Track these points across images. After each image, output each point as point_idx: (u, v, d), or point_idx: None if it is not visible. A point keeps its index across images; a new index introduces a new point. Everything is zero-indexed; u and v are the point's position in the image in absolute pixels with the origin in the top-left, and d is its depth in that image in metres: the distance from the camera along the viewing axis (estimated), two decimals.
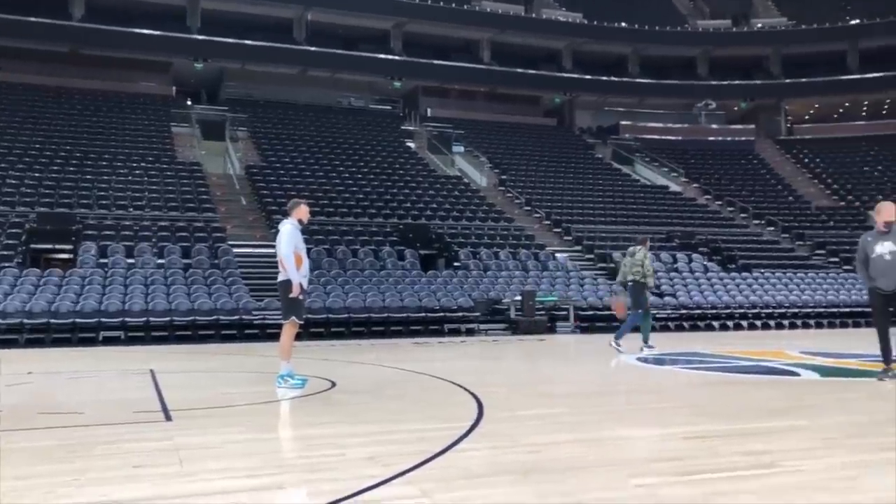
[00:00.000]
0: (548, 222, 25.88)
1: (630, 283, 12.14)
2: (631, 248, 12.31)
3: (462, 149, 31.55)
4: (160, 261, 18.29)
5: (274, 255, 7.90)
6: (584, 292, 19.81)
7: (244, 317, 16.23)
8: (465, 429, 5.05)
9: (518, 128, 34.95)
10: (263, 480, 3.76)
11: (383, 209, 23.64)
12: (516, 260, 21.54)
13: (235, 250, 19.62)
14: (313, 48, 32.00)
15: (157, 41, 29.58)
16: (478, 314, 17.93)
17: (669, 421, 5.55)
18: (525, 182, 29.10)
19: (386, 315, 17.17)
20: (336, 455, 4.31)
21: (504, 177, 29.25)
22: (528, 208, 26.85)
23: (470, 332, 17.44)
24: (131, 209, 21.06)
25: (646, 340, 12.20)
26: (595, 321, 18.72)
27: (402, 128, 32.80)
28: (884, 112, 37.53)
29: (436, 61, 33.79)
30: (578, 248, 24.05)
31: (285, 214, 7.91)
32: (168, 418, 5.68)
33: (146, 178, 22.91)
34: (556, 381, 8.74)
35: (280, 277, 7.69)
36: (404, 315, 17.29)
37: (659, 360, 11.01)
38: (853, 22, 36.72)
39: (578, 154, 33.66)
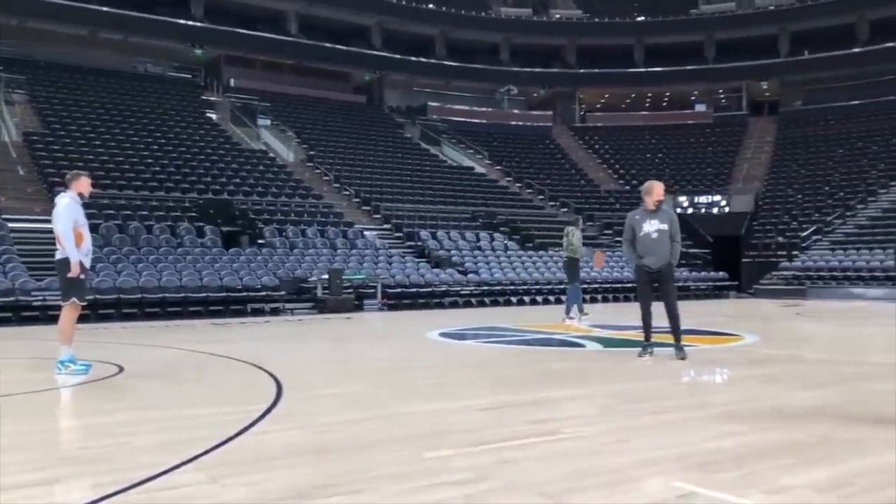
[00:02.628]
0: (357, 200, 25.82)
1: (565, 259, 13.51)
2: (569, 228, 13.62)
3: (268, 122, 30.59)
4: None
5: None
6: (393, 270, 20.03)
7: (21, 298, 14.73)
8: (262, 411, 4.91)
9: (327, 103, 34.47)
10: (37, 475, 3.43)
11: (181, 183, 22.39)
12: (324, 238, 21.30)
13: (11, 225, 17.72)
14: (105, 8, 29.43)
15: None
16: (283, 293, 17.55)
17: (465, 394, 5.75)
18: (334, 159, 28.81)
19: (183, 295, 16.32)
20: (121, 444, 4.03)
21: (312, 153, 28.77)
22: (337, 185, 26.62)
23: (274, 312, 17.04)
24: None
25: (580, 310, 13.48)
26: (402, 298, 19.00)
27: (204, 98, 31.18)
28: (664, 104, 41.21)
29: (240, 30, 32.37)
30: (387, 226, 24.22)
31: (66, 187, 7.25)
32: None
33: None
34: (358, 358, 8.77)
35: (58, 255, 7.05)
36: (203, 295, 16.53)
37: (460, 336, 11.42)
38: (640, 19, 39.92)
39: (388, 133, 33.84)
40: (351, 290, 18.29)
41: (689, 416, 4.83)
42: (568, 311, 13.51)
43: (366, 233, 22.72)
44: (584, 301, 14.17)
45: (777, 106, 38.42)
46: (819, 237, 26.89)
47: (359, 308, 18.05)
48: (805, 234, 26.95)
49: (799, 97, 38.10)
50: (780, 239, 27.52)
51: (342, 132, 31.78)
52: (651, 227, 7.74)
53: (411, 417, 4.79)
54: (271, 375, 6.66)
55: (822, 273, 24.35)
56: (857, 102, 35.51)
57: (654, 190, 7.82)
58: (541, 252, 24.27)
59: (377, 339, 12.00)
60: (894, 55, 33.65)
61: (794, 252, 26.35)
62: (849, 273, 23.48)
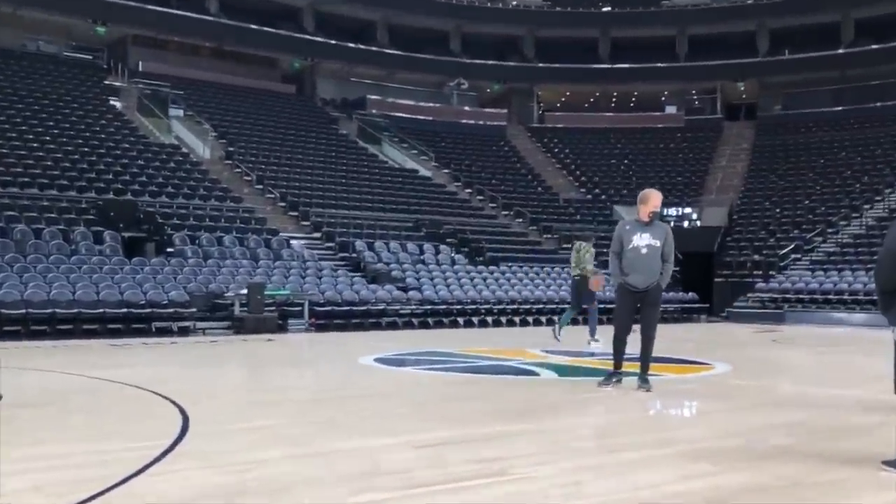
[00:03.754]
0: (283, 204, 25.59)
1: (576, 279, 13.94)
2: (579, 243, 14.05)
3: (181, 112, 30.13)
4: None
5: None
6: (323, 285, 19.89)
7: None
8: (163, 448, 4.81)
9: (251, 93, 34.12)
10: None
11: (78, 180, 21.86)
12: (244, 247, 21.04)
13: None
14: None
15: None
16: (194, 310, 17.25)
17: (401, 428, 5.75)
18: (257, 156, 28.52)
19: (76, 311, 15.91)
20: None
21: (232, 149, 28.43)
22: (260, 187, 26.35)
23: (184, 332, 16.76)
24: None
25: (557, 331, 13.96)
26: (333, 318, 18.87)
27: (106, 83, 30.55)
28: (632, 105, 42.03)
29: (150, 6, 31.84)
30: (317, 234, 24.05)
31: None
32: None
33: None
34: (279, 387, 8.68)
35: None
36: (100, 311, 16.14)
37: (398, 361, 11.39)
38: (606, 9, 40.68)
39: (320, 128, 33.68)
40: (274, 308, 18.12)
41: (652, 454, 4.91)
42: (592, 334, 13.97)
43: (292, 242, 22.53)
44: (562, 323, 14.37)
45: (754, 110, 39.50)
46: (798, 256, 27.69)
47: (282, 329, 17.89)
48: (783, 252, 27.72)
49: (778, 101, 39.29)
50: (756, 257, 28.27)
51: (267, 126, 31.50)
52: (641, 240, 7.68)
53: (338, 456, 4.76)
54: (176, 406, 6.55)
55: (801, 296, 25.06)
56: (840, 108, 36.79)
57: (651, 199, 7.76)
58: (492, 267, 24.42)
59: (302, 364, 11.91)
60: (881, 58, 34.92)
61: (771, 272, 27.08)
62: (830, 296, 24.21)
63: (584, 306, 14.34)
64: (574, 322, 15.16)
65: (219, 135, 29.32)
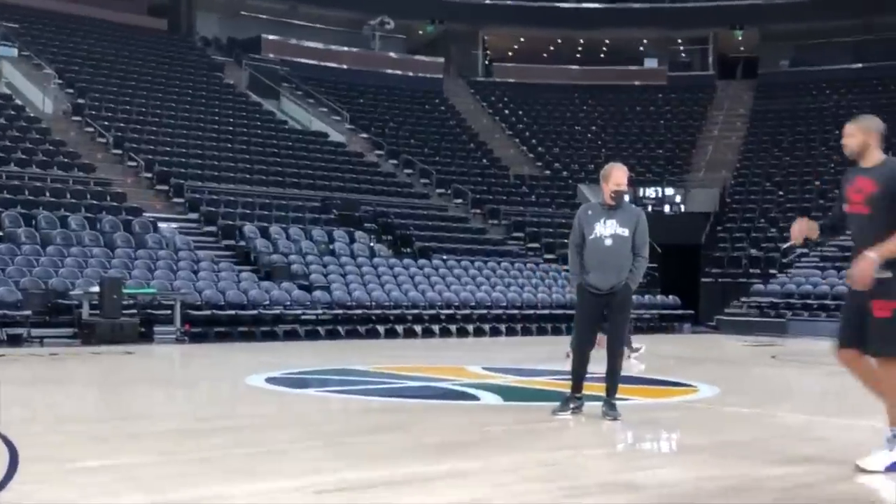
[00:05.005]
0: (148, 175, 25.21)
1: None
2: None
3: (14, 52, 29.42)
4: None
5: None
6: (200, 282, 19.67)
7: None
8: None
9: (108, 28, 33.46)
10: None
11: None
12: (96, 231, 20.69)
13: None
14: None
15: None
16: (29, 313, 16.94)
17: (299, 469, 5.73)
18: (115, 112, 28.00)
19: None
20: None
21: (82, 101, 27.87)
22: (119, 152, 25.90)
23: (15, 341, 16.46)
24: None
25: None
26: (214, 325, 18.69)
27: None
28: (602, 56, 42.47)
29: None
30: (194, 216, 23.79)
31: None
32: None
33: None
34: (139, 415, 8.59)
35: None
36: None
37: (298, 382, 11.36)
38: None
39: (199, 77, 33.23)
40: (135, 312, 17.94)
41: (613, 500, 4.98)
42: (629, 344, 14.01)
43: (160, 225, 22.25)
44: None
45: (755, 66, 40.31)
46: (805, 251, 28.38)
47: (146, 338, 17.69)
48: (787, 245, 28.33)
49: (785, 55, 40.11)
50: (754, 252, 28.90)
51: (129, 73, 30.98)
52: (605, 229, 7.72)
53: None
54: (2, 438, 6.42)
55: (808, 301, 25.71)
56: (861, 66, 37.78)
57: (612, 175, 7.83)
58: (422, 261, 24.46)
59: (172, 385, 11.82)
60: None
61: (772, 271, 27.72)
62: (843, 301, 24.97)
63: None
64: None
65: (65, 82, 28.78)
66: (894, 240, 5.37)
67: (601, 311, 7.84)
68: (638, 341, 15.18)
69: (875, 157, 5.69)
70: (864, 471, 5.51)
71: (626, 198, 8.14)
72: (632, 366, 13.56)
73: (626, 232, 7.69)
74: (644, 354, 15.11)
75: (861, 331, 5.60)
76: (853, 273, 5.48)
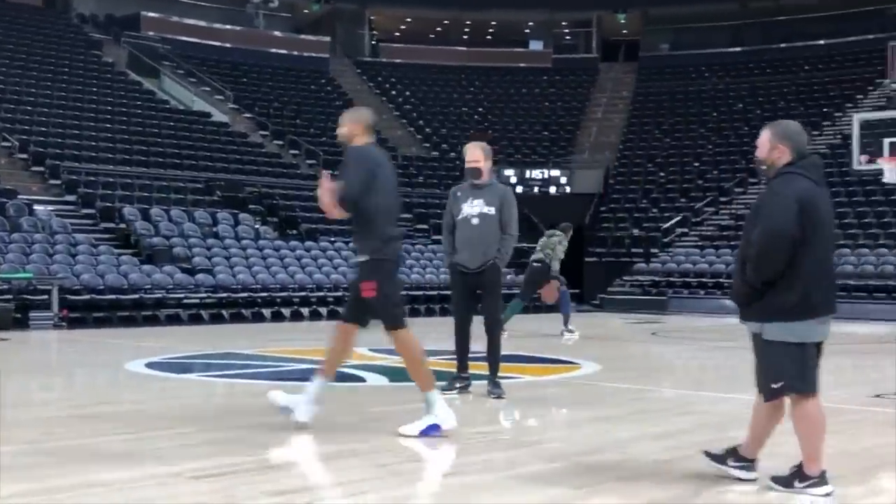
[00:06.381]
0: (22, 156, 24.53)
1: (537, 265, 15.73)
2: (560, 237, 15.83)
3: None
4: None
5: None
6: (78, 266, 19.24)
7: None
8: None
9: None
10: None
11: None
12: None
13: None
14: None
15: None
16: None
17: (179, 454, 5.65)
18: None
19: None
20: None
21: None
22: None
23: None
24: None
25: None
26: (93, 310, 18.37)
27: None
28: (489, 38, 42.75)
29: None
30: (71, 198, 23.25)
31: None
32: None
33: None
34: (13, 403, 8.32)
35: None
36: None
37: (182, 367, 11.21)
38: None
39: (76, 54, 32.37)
40: (9, 298, 17.52)
41: (502, 476, 5.06)
42: (566, 324, 16.05)
43: (36, 208, 21.68)
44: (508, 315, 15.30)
45: (637, 49, 41.09)
46: (685, 230, 29.14)
47: (22, 324, 17.26)
48: (667, 225, 29.08)
49: (666, 38, 41.01)
50: (636, 232, 29.53)
51: (2, 51, 30.02)
52: (472, 208, 7.89)
53: (92, 492, 4.63)
54: None
55: (687, 279, 26.41)
56: (738, 50, 38.82)
57: (466, 153, 8.08)
58: (309, 242, 24.32)
59: (48, 372, 11.59)
60: None
61: (654, 250, 28.38)
62: (722, 279, 25.61)
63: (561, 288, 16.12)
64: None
65: None
66: None
67: (473, 289, 8.00)
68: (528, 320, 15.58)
69: None
70: (402, 435, 6.00)
71: (494, 176, 8.27)
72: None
73: (492, 210, 7.86)
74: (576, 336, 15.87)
75: None
76: None
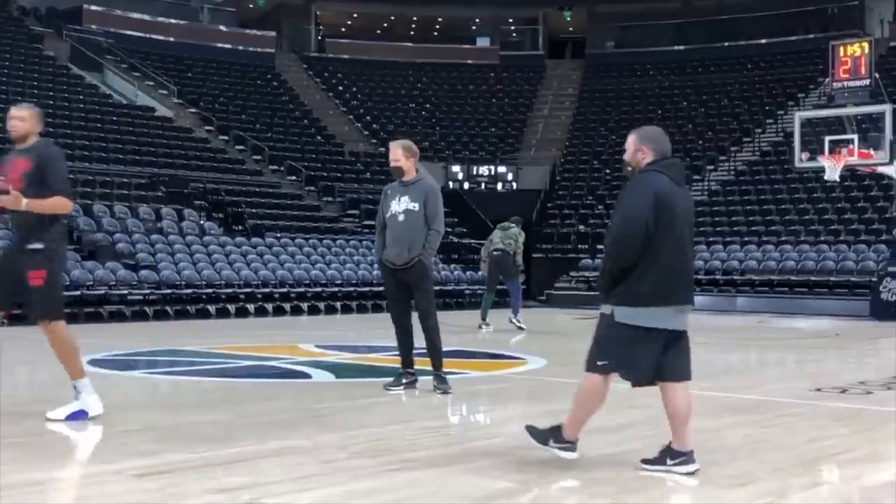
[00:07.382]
0: None
1: (497, 255, 16.49)
2: (505, 223, 16.82)
3: None
4: None
5: None
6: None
7: None
8: None
9: None
10: None
11: None
12: None
13: None
14: None
15: None
16: None
17: (120, 452, 5.61)
18: None
19: None
20: None
21: None
22: None
23: None
24: None
25: (484, 318, 16.43)
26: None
27: None
28: (436, 34, 42.75)
29: None
30: None
31: None
32: None
33: None
34: None
35: None
36: None
37: (125, 364, 11.08)
38: None
39: (17, 48, 31.85)
40: None
41: (447, 471, 5.07)
42: (515, 314, 16.70)
43: None
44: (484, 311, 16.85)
45: (583, 46, 41.36)
46: None
47: None
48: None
49: (611, 36, 41.31)
50: (582, 228, 29.74)
51: None
52: (399, 205, 7.99)
53: (29, 491, 4.58)
54: None
55: None
56: (682, 48, 39.22)
57: (389, 152, 8.16)
58: (255, 239, 24.16)
59: None
60: None
61: (599, 246, 28.52)
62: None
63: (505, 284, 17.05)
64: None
65: None
66: None
67: (403, 284, 8.04)
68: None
69: None
70: (49, 420, 6.48)
71: (421, 173, 8.30)
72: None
73: (416, 206, 7.93)
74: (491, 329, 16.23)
75: None
76: None
